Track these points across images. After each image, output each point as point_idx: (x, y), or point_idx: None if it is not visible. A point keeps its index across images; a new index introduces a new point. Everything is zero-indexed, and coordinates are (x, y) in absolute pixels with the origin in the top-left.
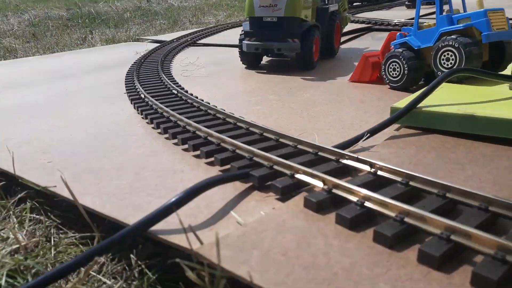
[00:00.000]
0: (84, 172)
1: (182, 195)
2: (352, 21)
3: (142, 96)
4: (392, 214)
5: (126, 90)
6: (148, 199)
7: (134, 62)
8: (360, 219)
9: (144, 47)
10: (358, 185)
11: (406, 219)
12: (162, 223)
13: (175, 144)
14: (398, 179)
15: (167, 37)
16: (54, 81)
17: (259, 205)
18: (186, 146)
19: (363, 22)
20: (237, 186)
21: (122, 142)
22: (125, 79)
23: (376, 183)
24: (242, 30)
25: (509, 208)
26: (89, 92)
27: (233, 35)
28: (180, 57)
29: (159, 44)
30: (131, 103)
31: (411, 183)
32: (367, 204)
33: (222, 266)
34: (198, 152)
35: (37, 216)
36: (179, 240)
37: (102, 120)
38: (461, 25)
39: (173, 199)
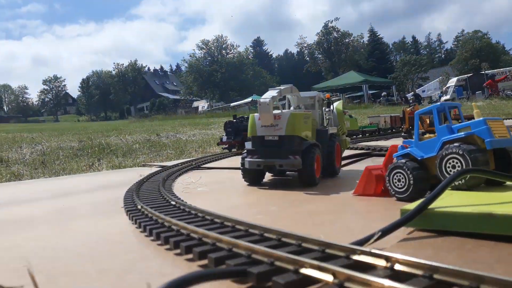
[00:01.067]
0: (62, 275)
1: (164, 286)
2: (352, 148)
3: (139, 207)
4: None
5: (124, 204)
6: None
7: (136, 182)
8: None
9: (149, 171)
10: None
11: None
12: None
13: (168, 249)
14: (420, 272)
15: (173, 163)
16: (53, 198)
17: None
18: (178, 250)
19: (362, 148)
20: (232, 287)
21: (110, 249)
22: (125, 194)
23: (394, 278)
24: (245, 149)
25: None
26: (86, 207)
27: (236, 160)
28: (183, 177)
29: (163, 168)
30: (127, 215)
31: (435, 276)
32: None
33: None
34: (191, 256)
35: None
36: None
37: (93, 230)
38: (462, 133)
39: None
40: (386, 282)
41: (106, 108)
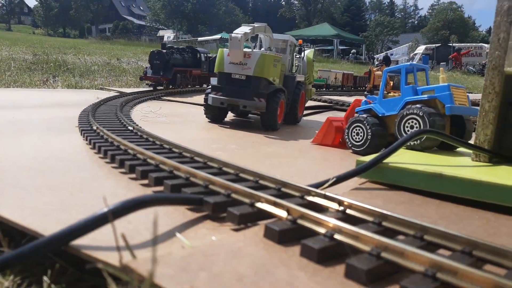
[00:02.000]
0: (11, 187)
1: (120, 205)
2: (315, 100)
3: (94, 128)
4: (367, 248)
5: (79, 123)
6: (80, 217)
7: (92, 104)
8: (329, 252)
9: (107, 95)
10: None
11: (383, 254)
12: (89, 238)
13: (123, 173)
14: (370, 219)
15: (132, 90)
16: (2, 109)
17: (211, 233)
18: (133, 175)
19: (325, 101)
20: (186, 214)
21: (62, 166)
22: (80, 115)
23: (345, 221)
24: (209, 84)
25: (495, 253)
26: (38, 122)
27: (201, 97)
28: (142, 106)
29: (122, 94)
30: (81, 134)
31: (384, 223)
32: (337, 236)
33: (159, 284)
34: (146, 181)
35: None
36: (107, 256)
37: (44, 146)
38: (425, 96)
39: (107, 208)
40: (337, 222)
41: (65, 24)
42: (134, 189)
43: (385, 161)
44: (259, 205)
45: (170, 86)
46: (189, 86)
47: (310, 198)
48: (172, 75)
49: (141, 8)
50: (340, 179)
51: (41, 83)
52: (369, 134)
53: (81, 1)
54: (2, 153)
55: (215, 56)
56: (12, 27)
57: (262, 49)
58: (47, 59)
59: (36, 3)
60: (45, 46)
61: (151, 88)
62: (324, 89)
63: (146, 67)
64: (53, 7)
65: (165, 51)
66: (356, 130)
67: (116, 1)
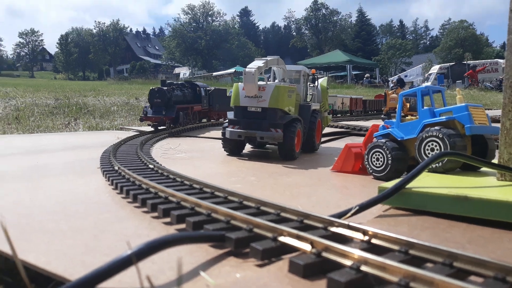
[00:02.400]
0: (36, 231)
1: (143, 246)
2: (332, 126)
3: (116, 168)
4: (395, 279)
5: (100, 164)
6: (104, 259)
7: (113, 144)
8: (356, 285)
9: (127, 134)
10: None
11: (412, 284)
12: (114, 281)
13: (145, 212)
14: (396, 247)
15: (151, 129)
16: (27, 155)
17: (234, 270)
18: (156, 213)
19: (342, 127)
20: (209, 251)
21: (85, 208)
22: (101, 155)
23: (371, 252)
24: (226, 118)
25: None
26: (61, 166)
27: (217, 132)
28: (161, 143)
29: (141, 132)
30: (103, 175)
31: (411, 251)
32: (363, 268)
33: None
34: (168, 219)
35: None
36: None
37: (68, 189)
38: (443, 117)
39: (131, 251)
40: (362, 253)
41: (85, 68)
42: (157, 228)
43: (407, 186)
44: (282, 239)
45: (171, 125)
46: (190, 124)
47: (333, 229)
48: (176, 113)
49: (157, 48)
50: (363, 207)
51: (63, 126)
52: (390, 158)
53: (99, 45)
54: (28, 199)
55: (215, 89)
56: (35, 74)
57: (276, 80)
58: (68, 103)
59: (57, 49)
60: (66, 90)
61: (153, 129)
62: (330, 115)
63: (146, 107)
64: (73, 53)
65: (165, 88)
66: (375, 155)
67: (132, 42)
